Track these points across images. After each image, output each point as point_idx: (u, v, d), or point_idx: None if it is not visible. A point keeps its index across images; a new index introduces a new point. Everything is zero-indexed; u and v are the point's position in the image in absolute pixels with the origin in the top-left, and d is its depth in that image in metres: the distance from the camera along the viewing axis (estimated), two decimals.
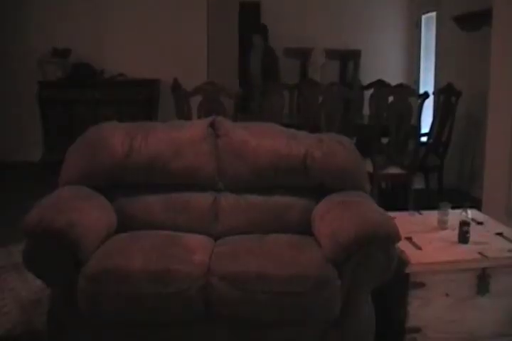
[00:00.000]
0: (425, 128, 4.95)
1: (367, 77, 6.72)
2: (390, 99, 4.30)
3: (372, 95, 5.79)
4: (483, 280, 2.43)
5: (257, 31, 6.82)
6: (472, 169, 5.47)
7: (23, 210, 2.32)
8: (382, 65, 7.03)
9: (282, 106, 5.45)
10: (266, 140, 2.71)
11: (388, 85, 5.63)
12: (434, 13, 6.58)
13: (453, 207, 2.77)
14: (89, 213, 2.37)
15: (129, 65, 6.58)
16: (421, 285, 2.37)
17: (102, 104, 6.35)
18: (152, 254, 2.28)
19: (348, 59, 7.09)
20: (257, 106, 5.42)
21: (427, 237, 2.64)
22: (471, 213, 2.61)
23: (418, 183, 4.85)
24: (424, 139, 4.93)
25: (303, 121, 4.48)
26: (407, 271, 2.36)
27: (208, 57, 6.75)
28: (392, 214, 2.62)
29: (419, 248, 2.51)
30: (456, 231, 2.59)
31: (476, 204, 3.62)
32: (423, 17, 6.95)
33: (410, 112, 4.18)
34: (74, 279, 2.23)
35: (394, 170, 4.34)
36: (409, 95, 4.27)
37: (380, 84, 5.76)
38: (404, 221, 2.81)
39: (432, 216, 2.87)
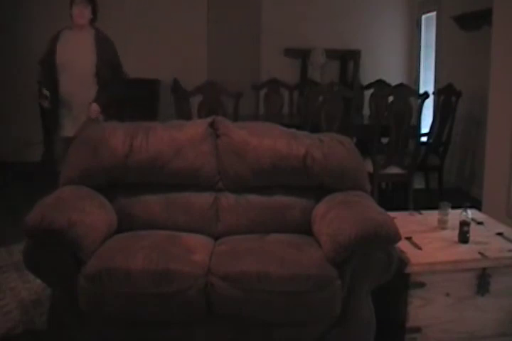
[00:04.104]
0: (425, 128, 4.95)
1: (367, 77, 6.71)
2: (390, 99, 4.30)
3: (372, 95, 5.79)
4: (483, 280, 2.43)
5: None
6: (472, 169, 5.47)
7: (23, 210, 2.32)
8: (382, 65, 7.02)
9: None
10: (266, 140, 2.71)
11: (388, 85, 5.64)
12: (434, 13, 6.57)
13: (453, 207, 2.76)
14: (89, 213, 2.37)
15: (129, 65, 6.57)
16: (421, 285, 2.37)
17: None
18: (152, 254, 2.28)
19: (348, 59, 7.08)
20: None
21: (427, 237, 2.63)
22: (471, 213, 2.60)
23: (418, 183, 4.86)
24: (424, 139, 4.92)
25: (303, 121, 4.47)
26: (407, 271, 2.36)
27: (207, 56, 6.75)
28: (392, 214, 2.62)
29: (419, 248, 2.51)
30: (456, 231, 2.59)
31: (476, 204, 3.62)
32: (423, 17, 6.94)
33: (410, 112, 4.18)
34: (74, 279, 2.24)
35: (394, 170, 4.34)
36: (409, 95, 4.28)
37: (380, 84, 5.77)
38: (404, 221, 2.81)
39: (432, 216, 2.86)
